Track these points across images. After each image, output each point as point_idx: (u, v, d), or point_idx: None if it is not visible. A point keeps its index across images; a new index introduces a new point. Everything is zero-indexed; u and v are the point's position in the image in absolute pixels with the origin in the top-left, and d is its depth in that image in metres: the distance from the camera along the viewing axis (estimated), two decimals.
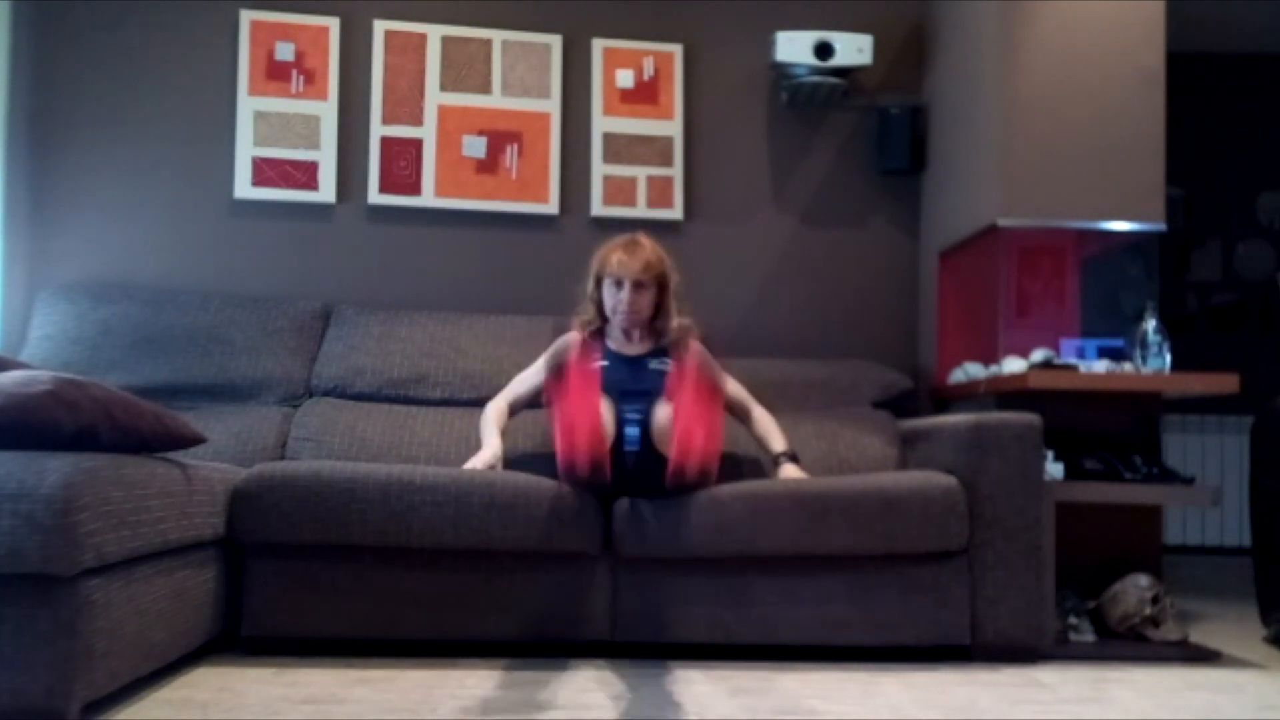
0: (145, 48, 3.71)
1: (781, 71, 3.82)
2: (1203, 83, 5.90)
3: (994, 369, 3.29)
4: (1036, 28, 3.33)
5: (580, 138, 3.85)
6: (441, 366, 3.42)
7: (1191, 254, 6.06)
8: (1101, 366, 3.15)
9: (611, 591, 2.67)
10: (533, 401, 3.15)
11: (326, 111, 3.75)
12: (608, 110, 3.86)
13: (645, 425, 2.79)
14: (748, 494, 2.72)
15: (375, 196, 3.75)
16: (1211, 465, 5.66)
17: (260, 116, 3.71)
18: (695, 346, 3.13)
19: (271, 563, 2.61)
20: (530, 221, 3.82)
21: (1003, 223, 3.30)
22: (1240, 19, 5.47)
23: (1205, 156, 5.89)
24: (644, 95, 3.88)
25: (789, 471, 2.97)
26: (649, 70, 3.88)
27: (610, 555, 2.68)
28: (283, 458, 3.14)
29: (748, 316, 3.83)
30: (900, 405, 3.56)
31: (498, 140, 3.80)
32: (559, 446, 2.48)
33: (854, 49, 3.73)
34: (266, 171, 3.71)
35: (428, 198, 3.77)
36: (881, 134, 3.90)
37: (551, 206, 3.81)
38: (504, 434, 3.03)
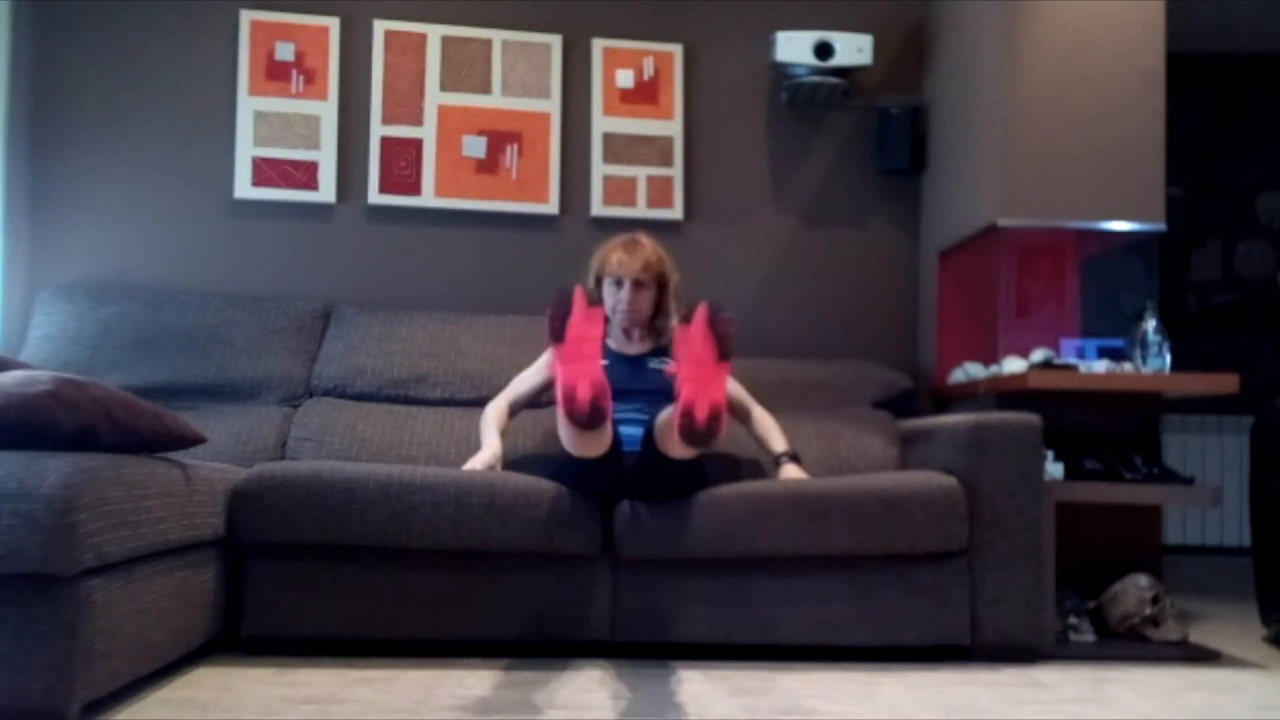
0: (145, 48, 3.72)
1: (781, 71, 3.82)
2: (1203, 83, 5.90)
3: (994, 369, 3.29)
4: (1036, 28, 3.33)
5: (580, 138, 3.85)
6: (441, 366, 3.42)
7: (1191, 254, 6.07)
8: (1101, 366, 3.15)
9: (611, 592, 2.67)
10: (533, 401, 3.15)
11: (326, 111, 3.75)
12: (608, 110, 3.86)
13: (645, 425, 2.77)
14: (748, 494, 2.72)
15: (375, 196, 3.75)
16: (1211, 465, 5.67)
17: (260, 116, 3.71)
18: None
19: (271, 563, 2.61)
20: (530, 221, 3.82)
21: (1003, 223, 3.30)
22: (1240, 19, 5.47)
23: (1205, 156, 5.90)
24: (644, 95, 3.88)
25: (790, 472, 2.97)
26: (649, 70, 3.88)
27: (610, 556, 2.69)
28: (283, 458, 3.14)
29: (748, 316, 3.82)
30: (900, 405, 3.57)
31: (498, 140, 3.80)
32: (560, 381, 2.35)
33: (854, 49, 3.73)
34: (266, 171, 3.71)
35: (428, 198, 3.77)
36: (881, 134, 3.90)
37: (551, 206, 3.81)
38: (503, 434, 3.03)
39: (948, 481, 2.76)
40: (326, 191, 3.74)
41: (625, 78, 3.87)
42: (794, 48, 3.72)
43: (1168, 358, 3.17)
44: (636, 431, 2.79)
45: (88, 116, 3.68)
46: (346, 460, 2.96)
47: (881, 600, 2.72)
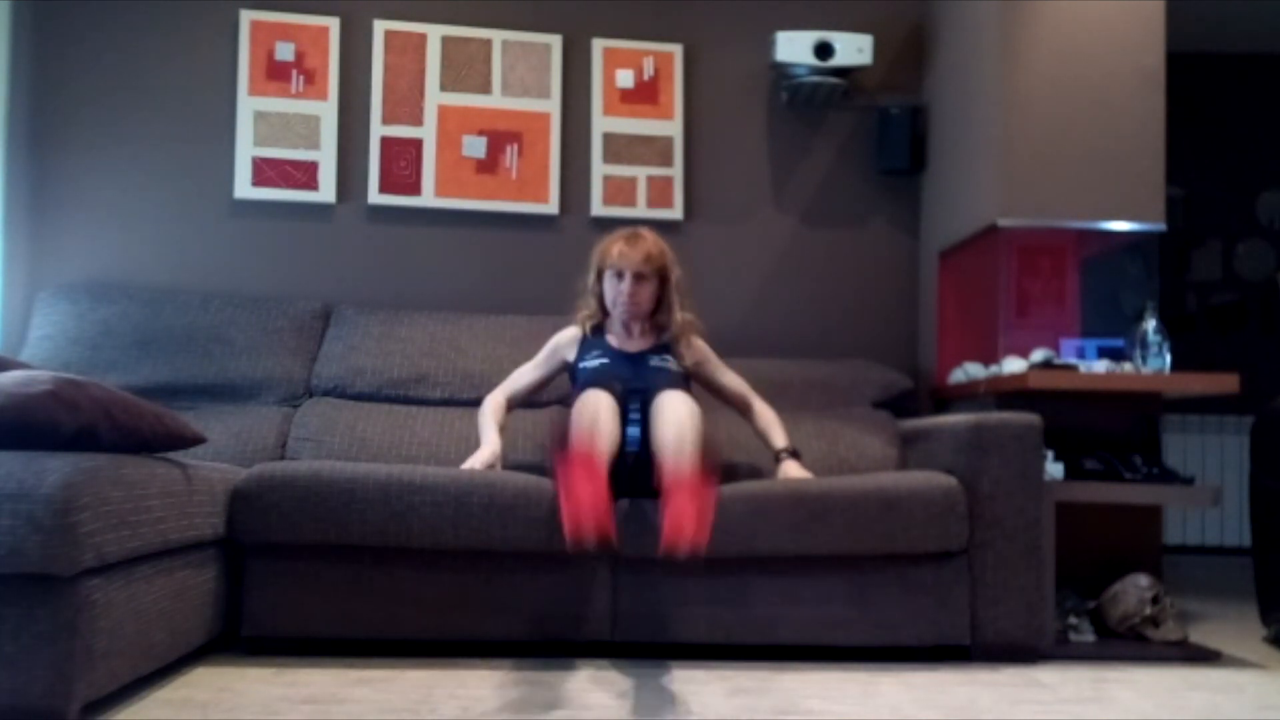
0: (145, 48, 3.72)
1: (781, 71, 3.82)
2: (1203, 83, 5.90)
3: (994, 369, 3.29)
4: (1036, 28, 3.33)
5: (580, 138, 3.85)
6: (441, 366, 3.42)
7: (1191, 254, 6.06)
8: (1101, 366, 3.15)
9: (612, 592, 2.67)
10: (531, 396, 3.14)
11: (326, 111, 3.75)
12: (608, 110, 3.86)
13: (645, 425, 2.77)
14: (748, 494, 2.72)
15: (375, 196, 3.75)
16: (1211, 465, 5.66)
17: (260, 116, 3.71)
18: (698, 343, 3.12)
19: (271, 563, 2.61)
20: (530, 221, 3.82)
21: (1003, 223, 3.30)
22: (1240, 19, 5.47)
23: (1205, 156, 5.89)
24: (644, 95, 3.88)
25: (790, 470, 2.96)
26: (649, 70, 3.88)
27: (610, 555, 2.68)
28: (283, 458, 3.14)
29: (748, 316, 3.83)
30: (900, 405, 3.56)
31: (498, 140, 3.80)
32: (564, 515, 2.35)
33: (854, 49, 3.73)
34: (266, 171, 3.71)
35: (428, 198, 3.77)
36: (881, 134, 3.90)
37: (551, 206, 3.81)
38: (503, 430, 3.01)
39: (948, 481, 2.76)
40: (326, 191, 3.74)
41: (625, 78, 3.87)
42: (794, 48, 3.72)
43: (1168, 358, 3.17)
44: (637, 431, 2.78)
45: (88, 116, 3.68)
46: (346, 460, 2.96)
47: (881, 600, 2.72)
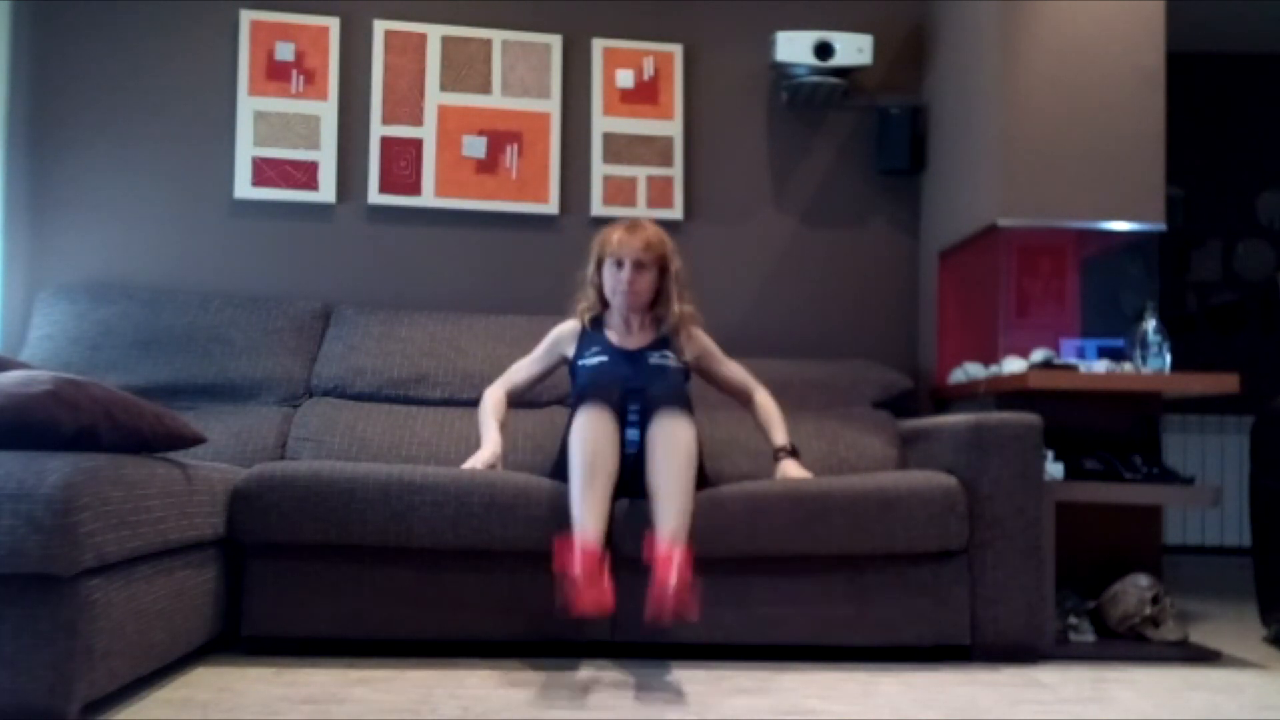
0: (145, 48, 3.72)
1: (781, 71, 3.82)
2: (1203, 83, 5.90)
3: (994, 369, 3.29)
4: (1036, 28, 3.33)
5: (580, 138, 3.85)
6: (441, 366, 3.42)
7: (1191, 254, 6.07)
8: (1101, 366, 3.15)
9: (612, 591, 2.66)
10: (531, 389, 3.11)
11: (326, 111, 3.75)
12: (608, 110, 3.86)
13: (644, 425, 2.75)
14: (747, 494, 2.72)
15: (375, 196, 3.75)
16: (1211, 465, 5.66)
17: (260, 116, 3.71)
18: (698, 335, 3.09)
19: (271, 563, 2.61)
20: (530, 221, 3.82)
21: (1003, 223, 3.30)
22: (1240, 19, 5.47)
23: (1205, 156, 5.89)
24: (644, 95, 3.88)
25: (790, 469, 2.95)
26: (649, 70, 3.88)
27: (611, 556, 2.67)
28: (283, 458, 3.14)
29: (748, 316, 3.83)
30: (900, 405, 3.56)
31: (498, 140, 3.80)
32: (563, 593, 2.37)
33: (854, 49, 3.73)
34: (266, 171, 3.71)
35: (428, 198, 3.77)
36: (881, 134, 3.90)
37: (551, 206, 3.81)
38: (503, 427, 3.00)
39: (948, 481, 2.76)
40: (326, 191, 3.74)
41: (625, 78, 3.87)
42: (794, 48, 3.72)
43: (1168, 358, 3.17)
44: (637, 434, 2.73)
45: (88, 116, 3.68)
46: (346, 460, 2.96)
47: (881, 600, 2.72)
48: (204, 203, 3.71)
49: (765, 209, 3.93)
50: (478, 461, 2.86)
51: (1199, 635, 3.11)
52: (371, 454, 3.14)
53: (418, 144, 3.77)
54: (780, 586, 2.71)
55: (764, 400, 3.10)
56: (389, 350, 3.44)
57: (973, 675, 2.58)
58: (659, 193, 3.84)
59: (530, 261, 3.79)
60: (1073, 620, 2.96)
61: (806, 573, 2.71)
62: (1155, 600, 2.95)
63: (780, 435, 3.03)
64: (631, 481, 2.67)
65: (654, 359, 2.96)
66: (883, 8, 3.95)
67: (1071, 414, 3.16)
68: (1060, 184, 3.29)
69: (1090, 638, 2.95)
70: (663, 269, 2.99)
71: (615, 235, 2.97)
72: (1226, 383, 3.05)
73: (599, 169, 3.83)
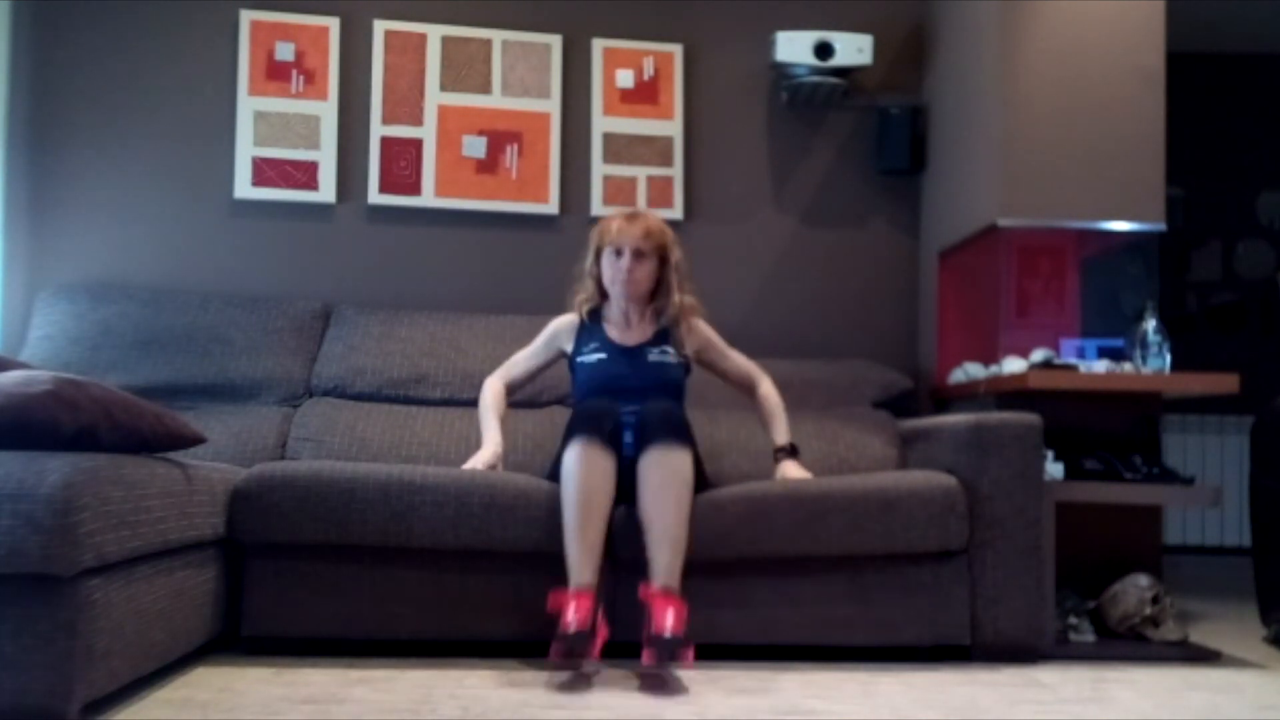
0: (145, 48, 3.72)
1: (781, 71, 3.82)
2: (1203, 83, 5.90)
3: (994, 369, 3.29)
4: (1036, 28, 3.33)
5: (580, 138, 3.85)
6: (441, 366, 3.42)
7: (1191, 254, 6.07)
8: (1101, 366, 3.15)
9: (612, 592, 2.67)
10: (529, 382, 3.09)
11: (326, 111, 3.75)
12: (608, 110, 3.86)
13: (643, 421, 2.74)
14: (747, 497, 2.72)
15: (375, 196, 3.75)
16: (1211, 465, 5.67)
17: (260, 116, 3.71)
18: (699, 327, 3.04)
19: (271, 563, 2.61)
20: (530, 221, 3.82)
21: (1003, 223, 3.30)
22: (1240, 19, 5.47)
23: (1205, 156, 5.90)
24: (644, 95, 3.88)
25: (790, 470, 2.94)
26: (649, 70, 3.88)
27: (610, 557, 2.68)
28: (283, 458, 3.14)
29: (748, 316, 3.82)
30: (900, 405, 3.56)
31: (498, 140, 3.80)
32: (558, 630, 2.39)
33: (854, 49, 3.73)
34: (266, 171, 3.71)
35: (428, 198, 3.77)
36: (881, 134, 3.90)
37: (551, 206, 3.81)
38: (503, 421, 3.00)
39: (948, 481, 2.76)
40: (326, 191, 3.74)
41: (625, 78, 3.87)
42: (794, 48, 3.72)
43: (1168, 358, 3.17)
44: (633, 436, 2.69)
45: (88, 116, 3.68)
46: (346, 460, 2.96)
47: (881, 600, 2.72)
48: (204, 203, 3.71)
49: (765, 209, 3.93)
50: (478, 462, 2.85)
51: (1199, 635, 3.11)
52: (371, 454, 3.14)
53: (418, 144, 3.77)
54: (780, 587, 2.71)
55: (768, 392, 3.06)
56: (389, 350, 3.44)
57: (973, 675, 2.58)
58: (659, 193, 3.84)
59: (530, 261, 3.79)
60: (1073, 620, 2.96)
61: (806, 573, 2.71)
62: (1155, 600, 2.95)
63: (781, 434, 3.01)
64: (629, 488, 2.64)
65: (653, 355, 2.93)
66: (883, 8, 3.95)
67: (1071, 414, 3.17)
68: (1060, 184, 3.29)
69: (1090, 638, 2.95)
70: (663, 258, 2.95)
71: (614, 224, 2.93)
72: (1226, 383, 3.05)
73: (599, 169, 3.83)
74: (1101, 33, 3.32)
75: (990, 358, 3.38)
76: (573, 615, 2.37)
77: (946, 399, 3.66)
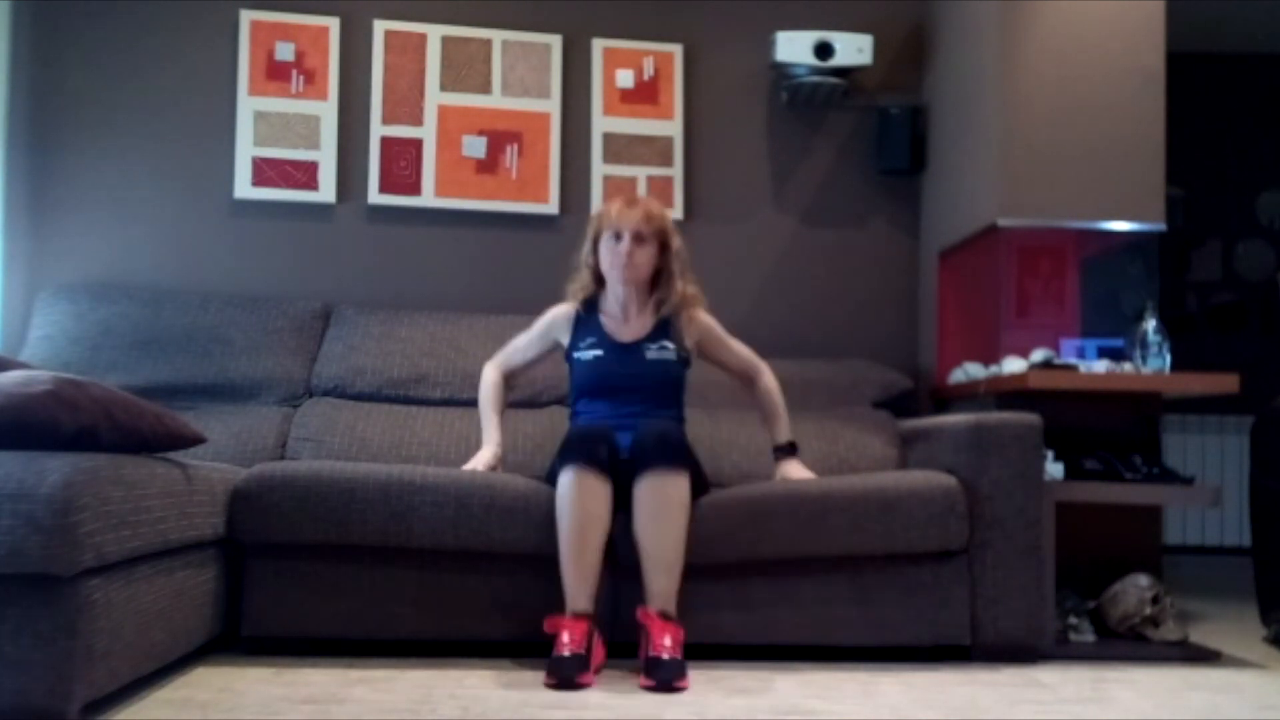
0: (145, 48, 3.71)
1: (781, 71, 3.82)
2: (1203, 83, 5.90)
3: (994, 369, 3.29)
4: (1036, 28, 3.33)
5: (580, 138, 3.85)
6: (441, 366, 3.42)
7: (1191, 254, 6.07)
8: (1101, 366, 3.15)
9: (612, 593, 2.67)
10: (526, 371, 3.08)
11: (326, 111, 3.75)
12: (608, 110, 3.86)
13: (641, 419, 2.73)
14: (747, 499, 2.72)
15: (375, 196, 3.75)
16: (1211, 465, 5.67)
17: (260, 116, 3.71)
18: (700, 317, 2.96)
19: (271, 563, 2.61)
20: (530, 221, 3.82)
21: (1003, 223, 3.30)
22: (1240, 19, 5.47)
23: (1205, 156, 5.90)
24: (644, 95, 3.88)
25: (792, 470, 2.93)
26: (649, 70, 3.88)
27: (610, 558, 2.67)
28: (283, 458, 3.14)
29: (748, 316, 3.81)
30: (900, 405, 3.56)
31: (498, 140, 3.80)
32: (554, 651, 2.41)
33: (854, 49, 3.73)
34: (266, 171, 3.71)
35: (428, 198, 3.77)
36: (881, 134, 3.90)
37: (551, 206, 3.81)
38: (503, 418, 2.99)
39: (948, 481, 2.76)
40: (326, 191, 3.74)
41: (625, 78, 3.87)
42: (794, 48, 3.72)
43: (1168, 358, 3.17)
44: (631, 438, 2.66)
45: (88, 116, 3.68)
46: (346, 460, 2.96)
47: (881, 600, 2.72)
48: (204, 203, 3.71)
49: (765, 209, 3.93)
50: (478, 463, 2.85)
51: (1199, 635, 3.11)
52: (371, 454, 3.14)
53: (418, 144, 3.77)
54: (780, 587, 2.70)
55: (768, 386, 3.00)
56: (389, 350, 3.44)
57: (973, 675, 2.58)
58: (659, 193, 3.84)
59: (530, 261, 3.79)
60: (1073, 620, 2.96)
61: (807, 573, 2.71)
62: (1155, 600, 2.95)
63: (781, 432, 2.99)
64: (626, 493, 2.62)
65: (651, 353, 2.87)
66: (883, 8, 3.95)
67: (1071, 414, 3.16)
68: (1060, 184, 3.29)
69: (1090, 638, 2.95)
70: (663, 245, 2.88)
71: (614, 207, 2.87)
72: (1226, 383, 3.05)
73: (599, 169, 3.83)
74: (1101, 33, 3.32)
75: (990, 358, 3.38)
76: (568, 639, 2.38)
77: (946, 399, 3.66)
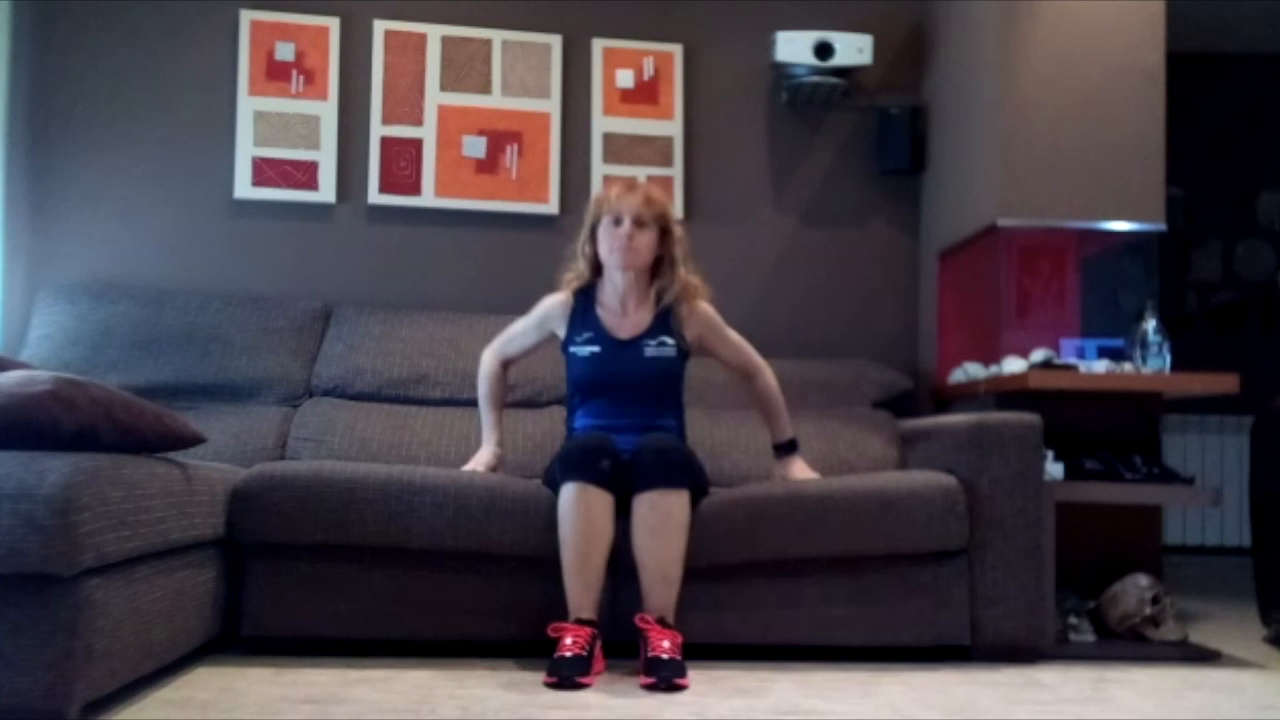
0: (145, 48, 3.71)
1: (781, 71, 3.82)
2: (1203, 83, 5.90)
3: (994, 369, 3.29)
4: (1036, 28, 3.32)
5: (580, 138, 3.85)
6: (441, 366, 3.42)
7: (1191, 254, 6.07)
8: (1101, 366, 3.15)
9: (611, 593, 2.66)
10: (524, 358, 3.03)
11: (326, 111, 3.75)
12: (608, 110, 3.86)
13: (640, 428, 2.71)
14: (747, 500, 2.72)
15: (375, 196, 3.75)
16: (1211, 465, 5.66)
17: (260, 116, 3.71)
18: (701, 309, 2.89)
19: (271, 563, 2.61)
20: (530, 221, 3.82)
21: (1003, 223, 3.30)
22: (1240, 19, 5.47)
23: (1205, 156, 5.89)
24: (644, 95, 3.88)
25: (796, 469, 2.92)
26: (649, 70, 3.88)
27: (610, 560, 2.67)
28: (283, 458, 3.14)
29: (748, 316, 3.79)
30: (900, 405, 3.56)
31: (498, 140, 3.80)
32: (555, 654, 2.40)
33: (854, 49, 3.73)
34: (266, 171, 3.71)
35: (428, 198, 3.77)
36: (881, 134, 3.90)
37: (551, 206, 3.81)
38: (502, 415, 2.98)
39: (948, 481, 2.76)
40: (326, 191, 3.74)
41: (625, 78, 3.87)
42: (794, 48, 3.72)
43: (1168, 358, 3.17)
44: (632, 439, 2.65)
45: (88, 116, 3.68)
46: (346, 460, 2.95)
47: (881, 600, 2.72)
48: (204, 203, 3.71)
49: (765, 209, 3.93)
50: (478, 463, 2.85)
51: (1199, 635, 3.11)
52: (371, 454, 3.14)
53: (418, 144, 3.77)
54: (780, 587, 2.70)
55: (766, 384, 2.94)
56: (389, 350, 3.44)
57: (973, 675, 2.58)
58: None
59: (530, 261, 3.77)
60: (1073, 620, 2.96)
61: (807, 573, 2.71)
62: (1155, 600, 2.95)
63: (781, 430, 2.95)
64: (627, 486, 2.62)
65: (649, 349, 2.80)
66: (883, 8, 3.95)
67: (1071, 414, 3.16)
68: (1060, 184, 3.29)
69: (1090, 638, 2.95)
70: (664, 230, 2.80)
71: (613, 191, 2.79)
72: (1226, 383, 3.05)
73: (599, 169, 3.83)
74: (1101, 33, 3.32)
75: (990, 358, 3.37)
76: (570, 642, 2.39)
77: (946, 399, 3.66)
